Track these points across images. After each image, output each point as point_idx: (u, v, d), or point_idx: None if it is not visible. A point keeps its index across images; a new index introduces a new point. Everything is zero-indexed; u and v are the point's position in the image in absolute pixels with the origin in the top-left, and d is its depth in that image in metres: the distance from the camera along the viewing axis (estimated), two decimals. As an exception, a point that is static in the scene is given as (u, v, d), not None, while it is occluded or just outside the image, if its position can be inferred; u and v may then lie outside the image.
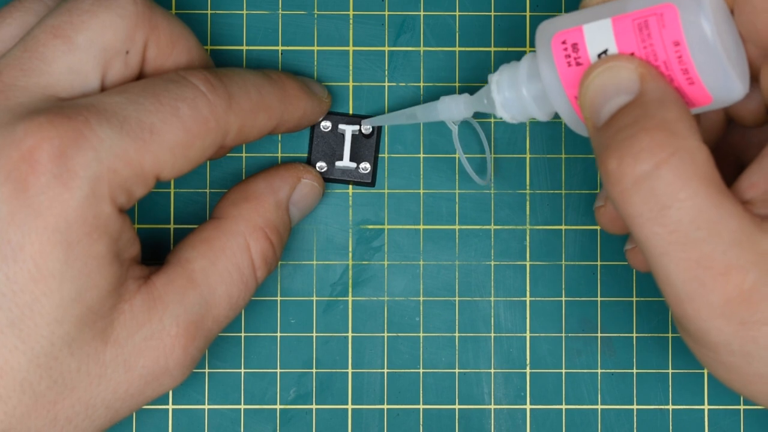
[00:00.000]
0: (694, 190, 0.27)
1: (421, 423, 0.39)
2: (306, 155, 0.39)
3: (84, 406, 0.31)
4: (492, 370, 0.39)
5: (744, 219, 0.27)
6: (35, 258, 0.29)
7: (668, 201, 0.27)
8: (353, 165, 0.39)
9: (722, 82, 0.29)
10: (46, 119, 0.29)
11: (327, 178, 0.39)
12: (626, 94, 0.29)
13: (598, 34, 0.30)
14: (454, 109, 0.36)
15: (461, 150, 0.37)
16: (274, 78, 0.35)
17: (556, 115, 0.33)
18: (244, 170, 0.39)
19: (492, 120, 0.39)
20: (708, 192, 0.27)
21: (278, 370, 0.39)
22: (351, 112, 0.39)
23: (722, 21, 0.29)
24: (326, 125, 0.39)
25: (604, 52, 0.30)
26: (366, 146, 0.39)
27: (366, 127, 0.39)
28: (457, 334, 0.39)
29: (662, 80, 0.29)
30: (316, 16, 0.39)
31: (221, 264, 0.33)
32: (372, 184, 0.39)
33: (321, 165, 0.39)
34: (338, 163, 0.39)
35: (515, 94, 0.33)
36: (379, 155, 0.39)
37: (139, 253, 0.32)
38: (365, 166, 0.39)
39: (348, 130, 0.39)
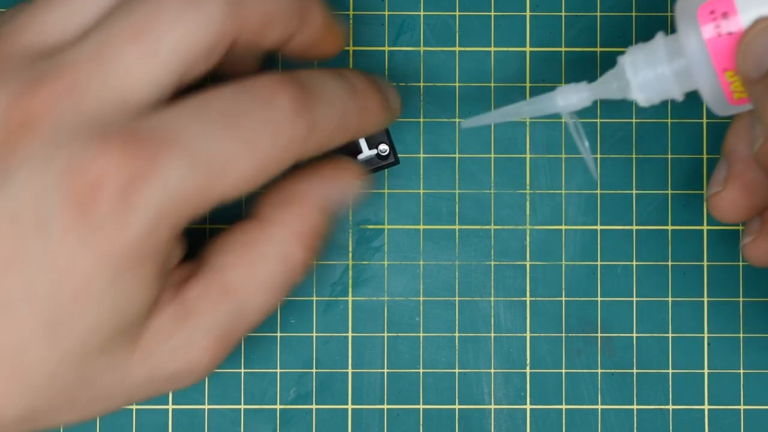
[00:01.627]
0: None
1: (421, 423, 0.39)
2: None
3: (104, 398, 0.31)
4: (492, 370, 0.39)
5: None
6: (83, 275, 0.28)
7: None
8: (374, 152, 0.38)
9: None
10: (119, 145, 0.28)
11: None
12: None
13: (751, 0, 0.30)
14: (574, 98, 0.33)
15: (581, 143, 0.34)
16: (359, 91, 0.32)
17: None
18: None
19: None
20: None
21: (278, 370, 0.39)
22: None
23: None
24: None
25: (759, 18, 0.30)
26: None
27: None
28: (457, 334, 0.39)
29: None
30: (316, 16, 0.39)
31: (260, 273, 0.32)
32: (397, 162, 0.38)
33: None
34: (360, 157, 0.38)
35: (654, 74, 0.32)
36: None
37: (183, 254, 0.31)
38: (384, 148, 0.38)
39: None
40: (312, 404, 0.39)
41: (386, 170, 0.39)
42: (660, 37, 0.32)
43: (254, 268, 0.32)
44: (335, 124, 0.31)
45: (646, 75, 0.32)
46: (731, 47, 0.30)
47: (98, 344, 0.29)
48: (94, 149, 0.28)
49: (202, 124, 0.29)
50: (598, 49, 0.39)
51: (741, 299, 0.39)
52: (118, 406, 0.32)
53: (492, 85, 0.39)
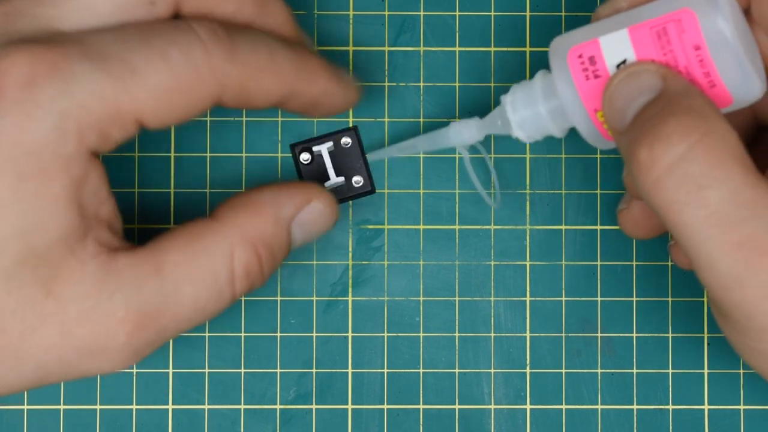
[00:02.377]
0: (729, 169, 0.27)
1: (421, 423, 0.39)
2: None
3: (13, 355, 0.29)
4: (492, 370, 0.39)
5: None
6: None
7: (705, 181, 0.27)
8: (341, 179, 0.38)
9: (743, 82, 0.29)
10: (26, 47, 0.28)
11: None
12: (649, 92, 0.29)
13: (615, 45, 0.30)
14: (466, 134, 0.35)
15: (475, 175, 0.36)
16: (297, 49, 0.32)
17: (571, 130, 0.33)
18: (244, 170, 0.39)
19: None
20: (743, 172, 0.27)
21: (278, 370, 0.39)
22: (351, 112, 0.39)
23: (739, 22, 0.30)
24: (306, 158, 0.38)
25: (623, 62, 0.30)
26: (351, 156, 0.39)
27: (345, 140, 0.39)
28: (457, 334, 0.39)
29: (684, 78, 0.29)
30: (316, 16, 0.39)
31: (196, 264, 0.31)
32: (372, 191, 0.39)
33: None
34: (327, 183, 0.38)
35: (532, 113, 0.33)
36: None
37: (115, 220, 0.31)
38: (357, 179, 0.39)
39: (324, 149, 0.38)
40: (312, 404, 0.39)
41: (386, 171, 0.39)
42: (539, 77, 0.33)
43: (194, 258, 0.31)
44: (262, 59, 0.31)
45: (523, 114, 0.33)
46: (600, 90, 0.30)
47: (4, 273, 0.28)
48: (4, 52, 0.28)
49: (115, 35, 0.29)
50: (598, 49, 0.39)
51: (741, 299, 0.39)
52: (27, 375, 0.30)
53: (492, 85, 0.39)
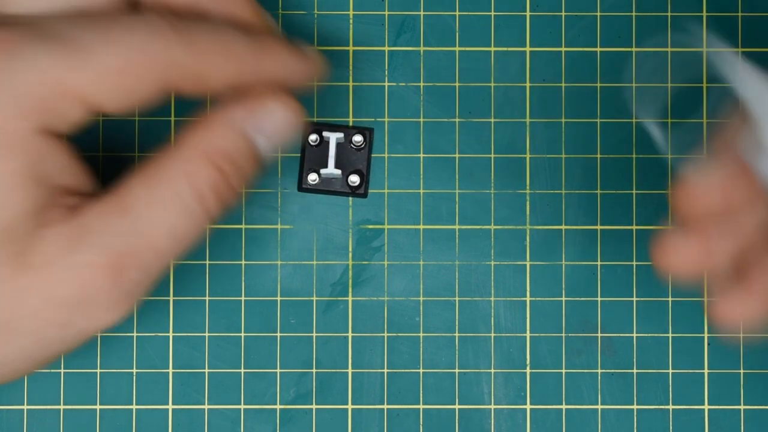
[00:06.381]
0: None
1: (421, 423, 0.39)
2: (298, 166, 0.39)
3: (7, 328, 0.30)
4: (492, 370, 0.39)
5: None
6: None
7: None
8: (338, 172, 0.38)
9: None
10: None
11: (320, 190, 0.39)
12: None
13: None
14: None
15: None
16: (251, 32, 0.32)
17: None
18: (244, 170, 0.39)
19: (492, 120, 0.39)
20: None
21: (278, 370, 0.39)
22: (351, 112, 0.39)
23: None
24: (314, 138, 0.39)
25: None
26: (358, 155, 0.39)
27: (357, 139, 0.39)
28: (457, 334, 0.39)
29: None
30: (316, 16, 0.39)
31: (159, 191, 0.30)
32: (364, 196, 0.39)
33: (313, 177, 0.39)
34: (323, 171, 0.38)
35: None
36: (381, 155, 0.39)
37: (84, 184, 0.31)
38: (354, 179, 0.39)
39: (332, 137, 0.38)
40: (312, 404, 0.39)
41: (386, 171, 0.39)
42: None
43: (155, 187, 0.30)
44: (217, 43, 0.30)
45: None
46: None
47: None
48: None
49: (69, 19, 0.29)
50: (598, 49, 0.39)
51: (741, 299, 0.39)
52: (28, 346, 0.30)
53: (492, 85, 0.39)
